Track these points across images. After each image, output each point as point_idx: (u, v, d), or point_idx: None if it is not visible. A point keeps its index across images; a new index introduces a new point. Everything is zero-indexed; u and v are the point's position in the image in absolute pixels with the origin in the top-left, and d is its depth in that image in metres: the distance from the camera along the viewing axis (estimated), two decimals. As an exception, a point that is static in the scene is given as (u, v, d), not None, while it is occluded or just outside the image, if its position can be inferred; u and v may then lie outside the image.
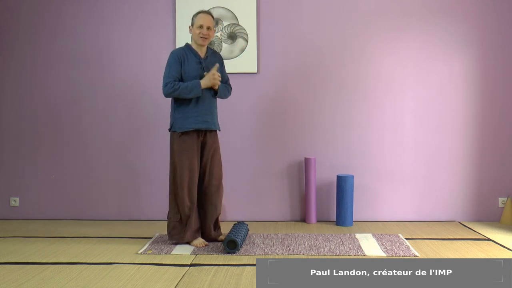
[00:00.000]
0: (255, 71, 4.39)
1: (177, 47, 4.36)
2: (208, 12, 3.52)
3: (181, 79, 3.42)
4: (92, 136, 4.47)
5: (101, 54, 4.45)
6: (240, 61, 4.30)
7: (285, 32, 4.40)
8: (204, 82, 3.39)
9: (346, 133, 4.40)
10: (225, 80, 3.64)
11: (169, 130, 3.52)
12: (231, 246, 3.35)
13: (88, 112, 4.47)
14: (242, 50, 4.35)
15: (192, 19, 3.50)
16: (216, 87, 3.45)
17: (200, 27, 3.42)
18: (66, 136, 4.48)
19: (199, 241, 3.52)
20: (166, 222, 4.35)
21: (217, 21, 4.37)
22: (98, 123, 4.47)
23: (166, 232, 3.94)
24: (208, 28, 3.46)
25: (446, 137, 4.39)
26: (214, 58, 3.58)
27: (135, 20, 4.43)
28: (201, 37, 3.44)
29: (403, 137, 4.40)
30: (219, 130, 3.65)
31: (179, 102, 3.44)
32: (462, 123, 4.39)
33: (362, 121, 4.39)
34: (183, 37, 4.36)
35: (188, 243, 3.55)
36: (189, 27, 3.50)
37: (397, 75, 4.38)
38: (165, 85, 3.37)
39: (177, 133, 3.43)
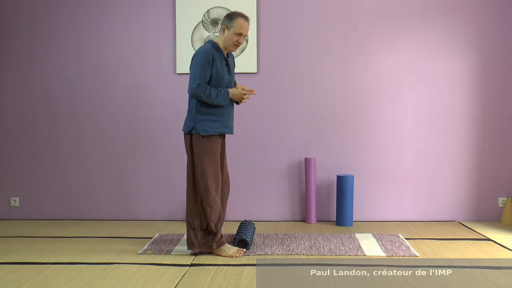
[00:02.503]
0: (255, 71, 4.39)
1: (177, 47, 4.36)
2: (248, 19, 3.29)
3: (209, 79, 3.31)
4: (92, 136, 4.47)
5: (100, 54, 4.45)
6: (240, 61, 4.29)
7: (285, 32, 4.40)
8: (233, 96, 3.31)
9: (346, 133, 4.40)
10: (233, 83, 3.56)
11: (188, 132, 3.26)
12: (241, 245, 3.36)
13: (88, 112, 4.47)
14: (242, 50, 4.35)
15: (230, 20, 3.23)
16: (239, 103, 3.41)
17: (239, 34, 3.22)
18: (66, 136, 4.48)
19: (234, 249, 3.29)
20: (166, 222, 4.38)
21: (216, 21, 4.37)
22: (97, 123, 4.46)
23: (166, 232, 3.94)
24: (245, 36, 3.35)
25: (446, 137, 4.39)
26: (231, 58, 3.52)
27: (135, 20, 4.43)
28: (236, 45, 3.31)
29: (403, 137, 4.40)
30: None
31: (205, 105, 3.26)
32: (462, 123, 4.39)
33: (362, 121, 4.39)
34: (183, 37, 4.36)
35: (219, 248, 3.29)
36: (224, 27, 3.24)
37: (397, 75, 4.38)
38: (197, 86, 3.16)
39: (200, 136, 3.26)
